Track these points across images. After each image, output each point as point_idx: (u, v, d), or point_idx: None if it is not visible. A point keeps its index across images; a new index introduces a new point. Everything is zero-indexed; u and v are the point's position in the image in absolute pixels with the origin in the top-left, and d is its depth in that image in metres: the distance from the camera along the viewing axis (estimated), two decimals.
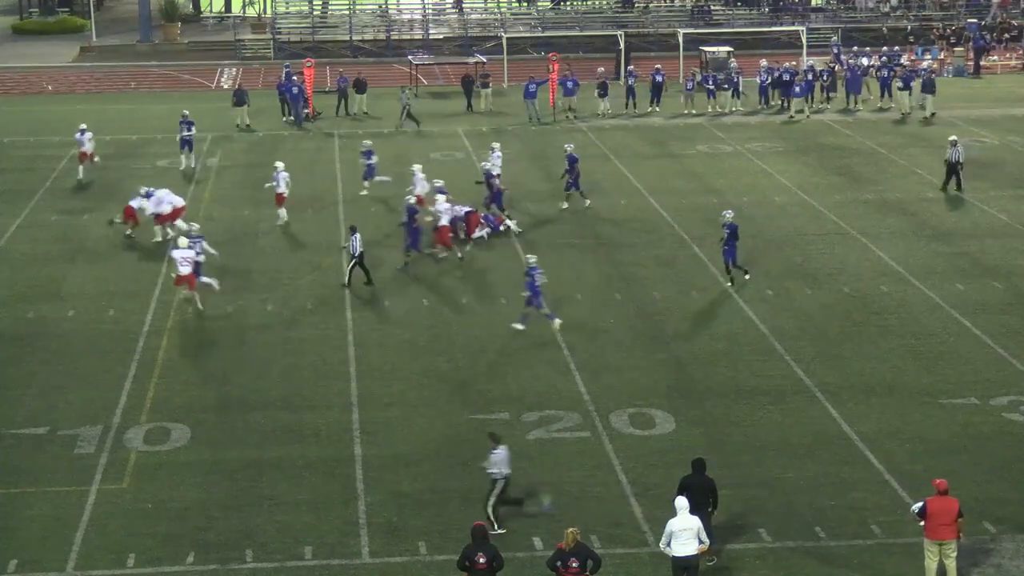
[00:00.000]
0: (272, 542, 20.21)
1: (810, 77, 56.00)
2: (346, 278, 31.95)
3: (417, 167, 38.05)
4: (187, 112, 45.22)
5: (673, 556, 18.14)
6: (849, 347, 27.98)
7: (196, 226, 33.01)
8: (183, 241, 31.21)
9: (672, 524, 18.18)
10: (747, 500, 21.30)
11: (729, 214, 32.38)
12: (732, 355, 27.58)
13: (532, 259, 29.55)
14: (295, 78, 54.01)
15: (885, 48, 63.18)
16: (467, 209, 36.08)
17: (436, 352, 27.96)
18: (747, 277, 31.96)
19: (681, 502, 18.32)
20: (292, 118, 52.80)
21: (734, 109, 54.64)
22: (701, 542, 18.25)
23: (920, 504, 18.76)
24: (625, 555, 19.73)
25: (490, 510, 20.45)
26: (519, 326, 28.89)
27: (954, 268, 33.28)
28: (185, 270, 30.55)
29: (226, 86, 62.36)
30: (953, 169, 40.63)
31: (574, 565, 17.40)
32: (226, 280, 32.84)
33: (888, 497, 21.50)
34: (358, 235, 31.84)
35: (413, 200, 34.40)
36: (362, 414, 24.82)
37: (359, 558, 19.82)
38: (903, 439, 23.61)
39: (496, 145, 40.68)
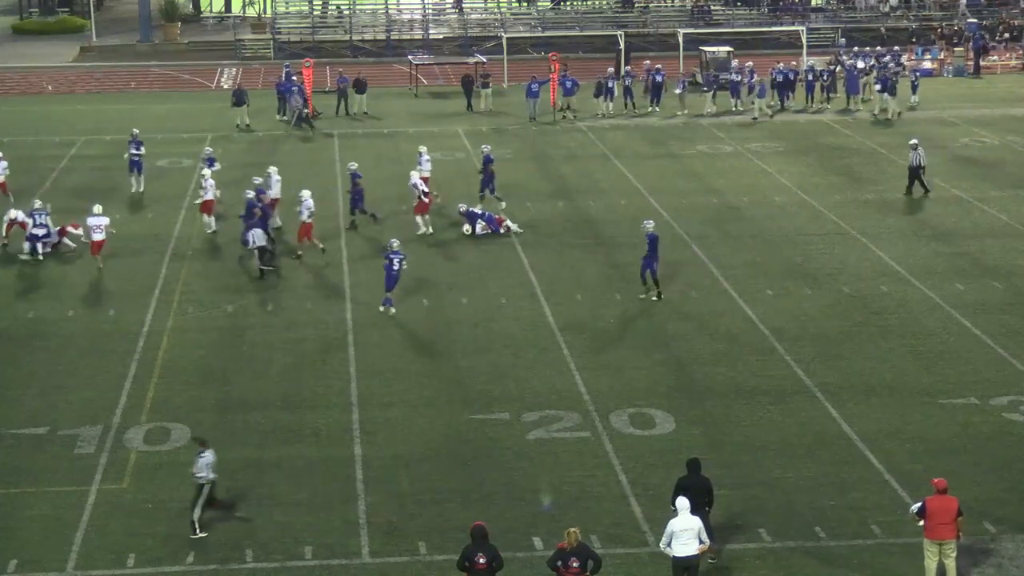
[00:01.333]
0: (272, 542, 20.21)
1: (810, 77, 56.07)
2: (258, 272, 32.89)
3: (273, 169, 37.94)
4: (136, 131, 42.26)
5: (674, 556, 18.14)
6: (849, 347, 27.98)
7: (39, 202, 35.43)
8: (97, 208, 33.89)
9: (673, 524, 18.18)
10: (747, 500, 21.31)
11: (650, 224, 31.16)
12: (732, 355, 27.58)
13: (395, 243, 30.40)
14: (295, 78, 54.05)
15: (877, 48, 63.32)
16: (423, 189, 36.71)
17: (436, 352, 27.97)
18: (655, 298, 30.82)
19: (682, 502, 18.32)
20: (288, 117, 52.88)
21: (735, 109, 54.61)
22: (701, 542, 18.26)
23: (919, 504, 18.76)
24: (625, 555, 19.73)
25: (196, 514, 20.41)
26: (382, 308, 30.04)
27: (954, 268, 33.28)
28: (99, 236, 33.25)
29: (226, 86, 62.36)
30: (915, 173, 40.31)
31: (575, 565, 17.40)
32: (226, 280, 32.89)
33: (888, 497, 21.50)
34: (256, 230, 32.77)
35: (252, 195, 34.97)
36: (362, 414, 24.82)
37: (359, 558, 19.82)
38: (903, 439, 23.61)
39: (423, 149, 40.49)
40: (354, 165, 38.21)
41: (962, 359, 27.32)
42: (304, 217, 34.31)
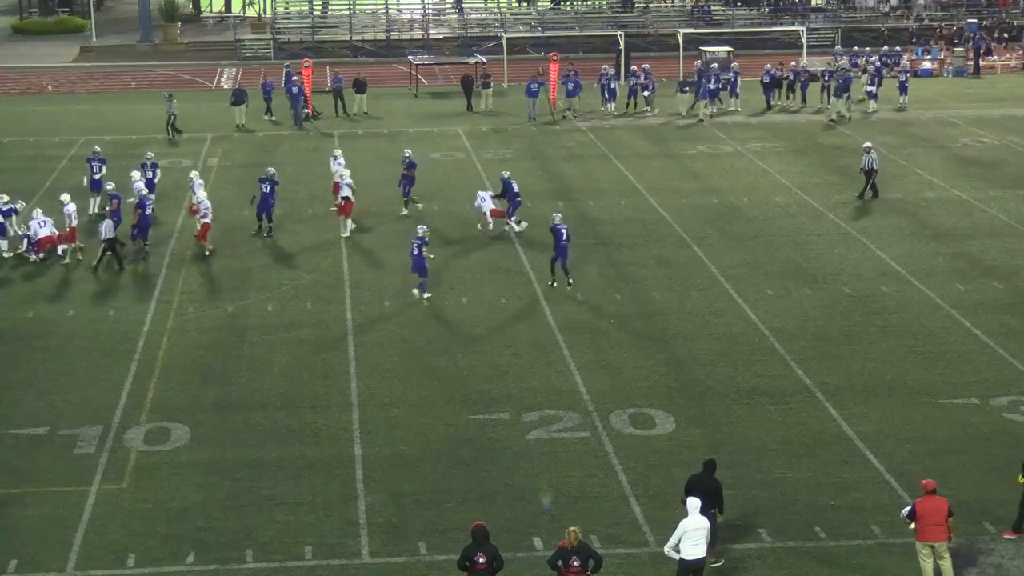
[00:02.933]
0: (272, 542, 20.21)
1: (803, 78, 56.04)
2: (95, 261, 33.50)
3: (194, 173, 37.69)
4: (99, 148, 40.64)
5: (681, 559, 18.00)
6: (849, 347, 27.98)
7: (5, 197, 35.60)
8: (65, 196, 34.93)
9: (684, 524, 17.96)
10: (747, 500, 21.30)
11: (557, 216, 32.33)
12: (732, 355, 27.57)
13: (420, 229, 31.53)
14: (295, 78, 54.14)
15: (857, 49, 63.53)
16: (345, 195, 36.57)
17: (436, 352, 27.96)
18: (568, 285, 31.58)
19: (693, 502, 18.22)
20: (274, 118, 53.00)
21: (733, 109, 54.62)
22: (708, 543, 18.21)
23: (909, 507, 18.75)
24: (625, 555, 19.72)
25: None
26: (417, 292, 31.01)
27: (954, 268, 33.28)
28: (74, 223, 34.27)
29: (226, 86, 62.39)
30: (869, 176, 40.10)
31: (575, 564, 17.39)
32: (226, 280, 32.91)
33: (888, 497, 21.50)
34: (108, 221, 33.56)
35: (145, 191, 35.94)
36: (362, 414, 24.82)
37: (359, 558, 19.82)
38: (903, 439, 23.61)
39: (338, 152, 40.25)
40: (271, 170, 37.62)
41: (962, 359, 27.31)
42: (208, 219, 34.53)
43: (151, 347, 28.32)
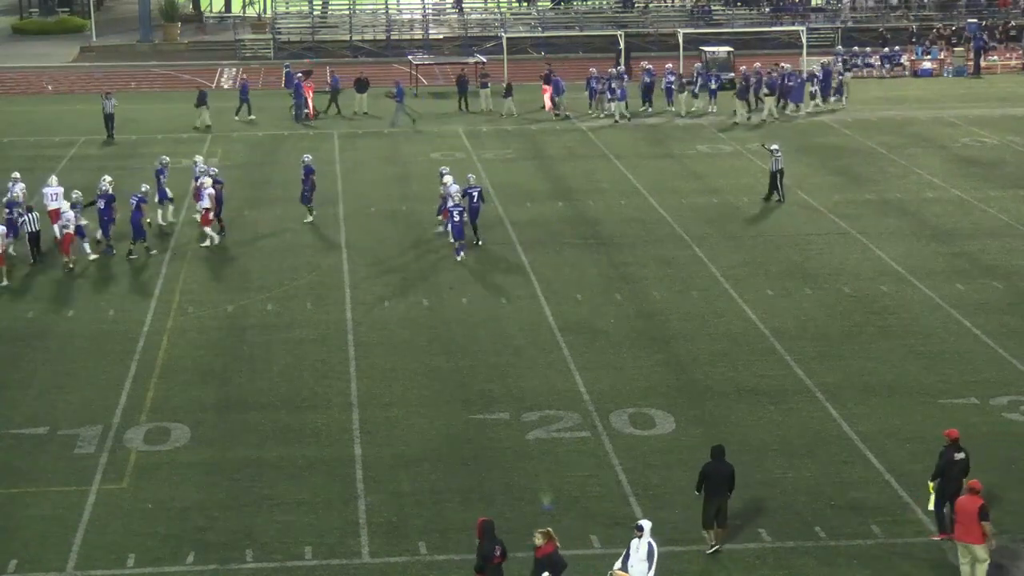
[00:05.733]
0: (272, 542, 20.21)
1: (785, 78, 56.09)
2: (30, 258, 34.03)
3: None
4: (166, 158, 39.50)
5: None
6: (849, 347, 27.98)
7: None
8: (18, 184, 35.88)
9: (635, 544, 17.76)
10: (747, 500, 21.29)
11: (472, 178, 36.40)
12: (732, 355, 27.57)
13: (457, 196, 34.46)
14: (299, 75, 54.34)
15: (848, 49, 63.75)
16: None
17: (436, 352, 27.96)
18: (479, 243, 34.99)
19: (648, 524, 17.97)
20: (238, 117, 53.31)
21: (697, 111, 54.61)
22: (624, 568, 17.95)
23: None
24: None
25: None
26: (463, 255, 33.91)
27: (954, 268, 33.28)
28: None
29: (226, 86, 62.39)
30: (774, 179, 39.76)
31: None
32: (226, 280, 32.91)
33: (888, 497, 21.50)
34: (35, 213, 34.25)
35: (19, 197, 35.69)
36: (362, 414, 24.82)
37: (359, 558, 19.82)
38: (903, 439, 23.60)
39: (199, 158, 39.53)
40: (215, 170, 37.25)
41: (962, 359, 27.31)
42: (70, 229, 33.65)
43: (151, 347, 28.32)
